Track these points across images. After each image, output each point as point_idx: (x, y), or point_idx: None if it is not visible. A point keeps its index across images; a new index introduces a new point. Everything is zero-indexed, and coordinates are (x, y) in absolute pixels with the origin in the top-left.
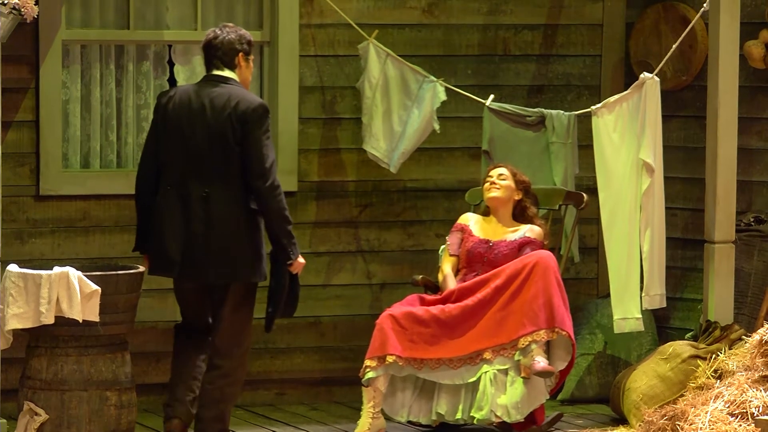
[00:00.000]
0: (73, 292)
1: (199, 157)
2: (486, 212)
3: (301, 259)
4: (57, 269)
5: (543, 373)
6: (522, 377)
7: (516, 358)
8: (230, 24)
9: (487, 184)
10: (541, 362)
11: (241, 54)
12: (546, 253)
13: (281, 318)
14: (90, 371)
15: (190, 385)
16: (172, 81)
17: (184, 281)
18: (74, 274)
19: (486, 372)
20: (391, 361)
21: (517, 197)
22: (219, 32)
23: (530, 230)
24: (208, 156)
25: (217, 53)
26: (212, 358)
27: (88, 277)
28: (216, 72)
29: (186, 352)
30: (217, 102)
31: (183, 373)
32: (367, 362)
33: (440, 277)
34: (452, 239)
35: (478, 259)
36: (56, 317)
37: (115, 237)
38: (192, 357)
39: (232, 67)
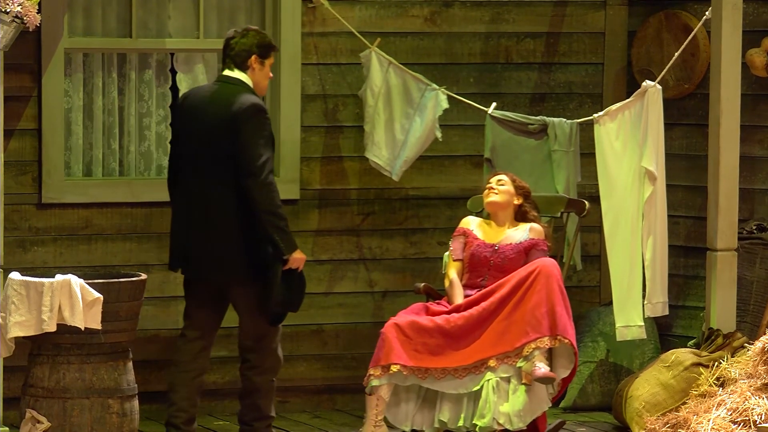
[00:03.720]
0: (75, 300)
1: (199, 157)
2: (488, 218)
3: (298, 254)
4: (59, 277)
5: (544, 379)
6: (523, 384)
7: (518, 365)
8: (255, 27)
9: (486, 191)
10: (541, 368)
11: (254, 56)
12: (549, 261)
13: (285, 312)
14: (92, 379)
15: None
16: (175, 89)
17: (189, 277)
18: (76, 282)
19: (489, 380)
20: (395, 370)
21: (517, 202)
22: (237, 33)
23: (531, 230)
24: (207, 156)
25: (230, 53)
26: (241, 352)
27: (90, 285)
28: (226, 72)
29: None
30: (216, 103)
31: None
32: (371, 371)
33: (446, 283)
34: (455, 244)
35: (483, 263)
36: (58, 325)
37: (117, 245)
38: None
39: (243, 69)
